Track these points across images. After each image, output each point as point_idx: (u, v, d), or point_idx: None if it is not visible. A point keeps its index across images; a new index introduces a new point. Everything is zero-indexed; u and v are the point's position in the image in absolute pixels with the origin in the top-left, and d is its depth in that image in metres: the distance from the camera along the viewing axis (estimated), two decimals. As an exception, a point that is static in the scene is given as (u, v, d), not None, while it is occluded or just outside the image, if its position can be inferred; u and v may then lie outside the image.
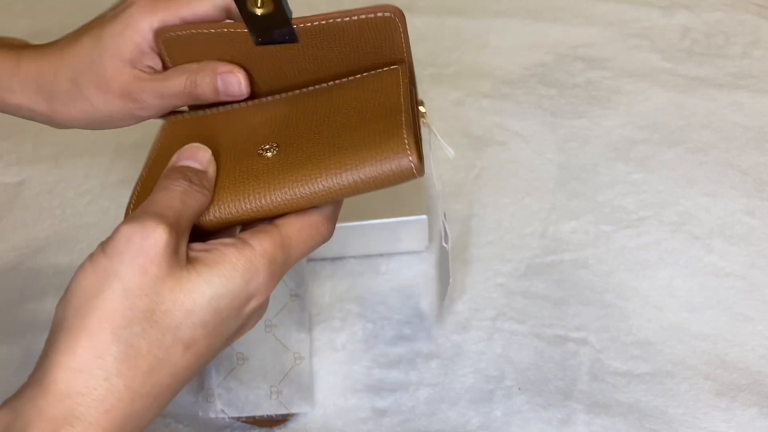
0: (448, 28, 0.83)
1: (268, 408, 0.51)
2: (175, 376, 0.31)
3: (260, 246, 0.33)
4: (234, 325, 0.33)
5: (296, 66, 0.41)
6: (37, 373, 0.29)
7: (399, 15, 0.38)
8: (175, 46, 0.40)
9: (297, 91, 0.42)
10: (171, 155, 0.37)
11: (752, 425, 0.49)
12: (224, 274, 0.32)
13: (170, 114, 0.43)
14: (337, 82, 0.42)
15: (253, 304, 0.34)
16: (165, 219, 0.31)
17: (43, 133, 0.70)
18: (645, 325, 0.55)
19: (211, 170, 0.36)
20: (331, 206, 0.37)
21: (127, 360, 0.29)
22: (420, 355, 0.54)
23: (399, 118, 0.36)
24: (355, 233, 0.58)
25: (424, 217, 0.57)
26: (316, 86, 0.42)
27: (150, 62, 0.41)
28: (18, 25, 0.89)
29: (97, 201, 0.67)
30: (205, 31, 0.39)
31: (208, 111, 0.43)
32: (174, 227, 0.31)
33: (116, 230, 0.31)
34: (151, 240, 0.30)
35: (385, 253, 0.60)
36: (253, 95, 0.42)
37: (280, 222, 0.35)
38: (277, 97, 0.42)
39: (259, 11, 0.37)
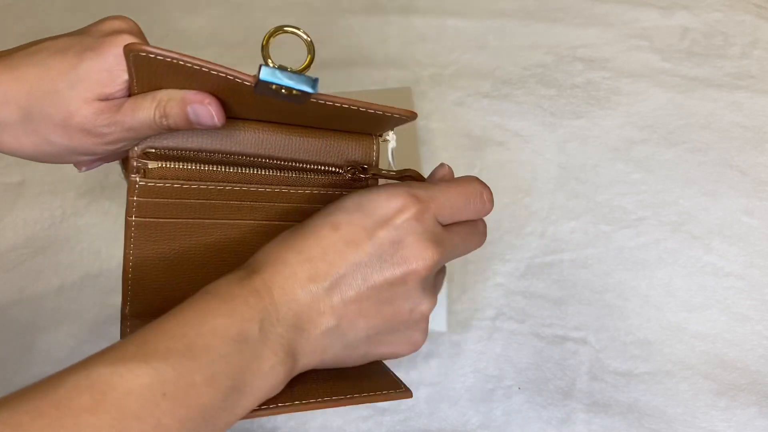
0: (448, 28, 0.83)
1: None
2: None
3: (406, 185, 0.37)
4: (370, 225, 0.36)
5: (280, 109, 0.37)
6: None
7: (413, 119, 0.39)
8: (146, 66, 0.34)
9: None
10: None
11: (751, 425, 0.49)
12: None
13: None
14: None
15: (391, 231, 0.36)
16: None
17: (44, 133, 0.69)
18: (644, 325, 0.55)
19: None
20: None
21: None
22: (420, 354, 0.54)
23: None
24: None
25: (424, 217, 0.57)
26: None
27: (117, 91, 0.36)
28: (19, 25, 0.89)
29: (98, 201, 0.67)
30: (189, 64, 0.33)
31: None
32: None
33: None
34: None
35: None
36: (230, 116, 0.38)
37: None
38: None
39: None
